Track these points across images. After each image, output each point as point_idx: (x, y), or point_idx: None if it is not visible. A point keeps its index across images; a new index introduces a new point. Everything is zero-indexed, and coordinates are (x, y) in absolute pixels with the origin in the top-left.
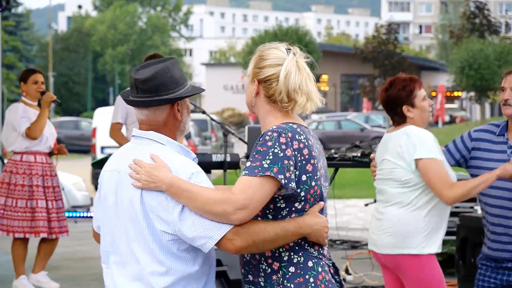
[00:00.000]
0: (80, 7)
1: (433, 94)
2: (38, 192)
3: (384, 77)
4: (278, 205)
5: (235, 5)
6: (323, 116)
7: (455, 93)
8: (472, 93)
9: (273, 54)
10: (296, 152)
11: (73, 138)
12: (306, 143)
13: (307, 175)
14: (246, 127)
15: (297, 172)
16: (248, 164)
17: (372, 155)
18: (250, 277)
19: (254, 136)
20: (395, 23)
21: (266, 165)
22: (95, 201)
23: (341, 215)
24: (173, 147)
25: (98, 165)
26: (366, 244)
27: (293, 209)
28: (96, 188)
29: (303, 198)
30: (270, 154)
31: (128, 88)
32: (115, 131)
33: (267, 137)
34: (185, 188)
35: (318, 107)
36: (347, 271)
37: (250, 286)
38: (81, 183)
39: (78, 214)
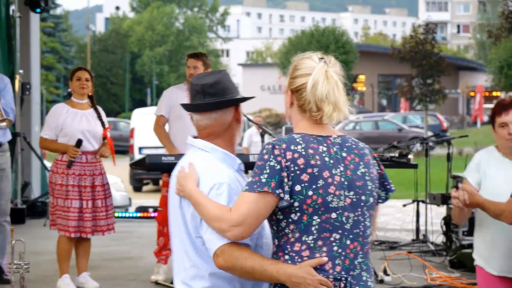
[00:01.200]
0: (117, 8)
1: (472, 94)
2: (73, 192)
3: (422, 77)
4: (277, 216)
5: (272, 6)
6: (360, 117)
7: (494, 93)
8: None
9: (305, 64)
10: (289, 163)
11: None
12: (303, 153)
13: (302, 185)
14: (283, 128)
15: (290, 183)
16: (249, 179)
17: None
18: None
19: None
20: (432, 23)
21: (264, 180)
22: None
23: (379, 215)
24: (217, 155)
25: (136, 165)
26: (405, 245)
27: (290, 220)
28: (134, 189)
29: (297, 209)
30: (267, 167)
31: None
32: (160, 127)
33: (264, 151)
34: (197, 202)
35: (346, 117)
36: (385, 272)
37: None
38: (120, 183)
39: (116, 215)
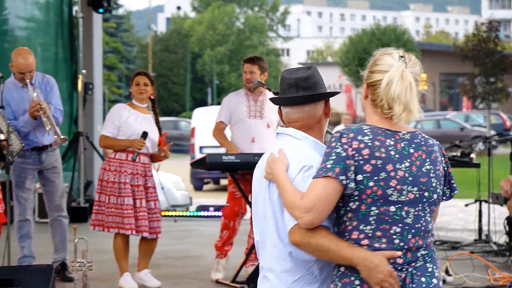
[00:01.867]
0: (179, 8)
1: None
2: (126, 189)
3: (485, 75)
4: (338, 204)
5: (332, 5)
6: (421, 115)
7: None
8: None
9: (384, 60)
10: (355, 152)
11: (172, 138)
12: (369, 144)
13: (364, 175)
14: (344, 127)
15: (354, 172)
16: (313, 164)
17: None
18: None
19: None
20: (496, 21)
21: (329, 166)
22: None
23: (441, 215)
24: (308, 142)
25: (196, 164)
26: (467, 245)
27: (348, 208)
28: (195, 188)
29: (356, 198)
30: (333, 154)
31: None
32: (218, 130)
33: (332, 139)
34: (281, 186)
35: (415, 118)
36: (447, 272)
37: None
38: (180, 182)
39: (177, 214)
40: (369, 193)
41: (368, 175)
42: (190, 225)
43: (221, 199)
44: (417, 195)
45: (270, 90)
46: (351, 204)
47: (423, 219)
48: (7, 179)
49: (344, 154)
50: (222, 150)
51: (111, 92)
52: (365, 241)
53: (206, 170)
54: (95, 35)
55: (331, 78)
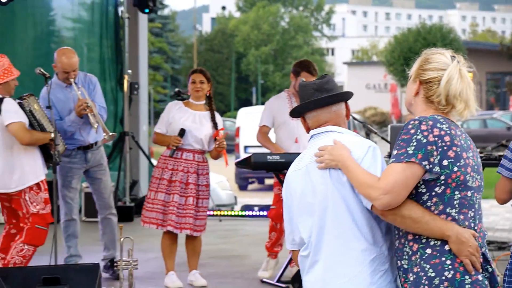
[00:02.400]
0: (224, 8)
1: None
2: (176, 187)
3: None
4: (419, 190)
5: (377, 4)
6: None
7: None
8: None
9: (438, 59)
10: (437, 138)
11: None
12: (448, 132)
13: (449, 160)
14: (389, 126)
15: (439, 157)
16: (394, 152)
17: None
18: (398, 262)
19: (397, 135)
20: None
21: (411, 152)
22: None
23: (488, 215)
24: (351, 133)
25: (241, 164)
26: None
27: (433, 193)
28: (239, 187)
29: (443, 182)
30: (414, 141)
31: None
32: (263, 134)
33: (410, 126)
34: (349, 168)
35: (473, 115)
36: None
37: (399, 272)
38: (225, 182)
39: (222, 213)
40: (454, 178)
41: (452, 160)
42: (235, 225)
43: (266, 198)
44: (480, 183)
45: None
46: (436, 188)
47: (481, 206)
48: (54, 179)
49: (425, 140)
50: (266, 150)
51: (156, 92)
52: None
53: (250, 169)
54: (141, 35)
55: (376, 77)
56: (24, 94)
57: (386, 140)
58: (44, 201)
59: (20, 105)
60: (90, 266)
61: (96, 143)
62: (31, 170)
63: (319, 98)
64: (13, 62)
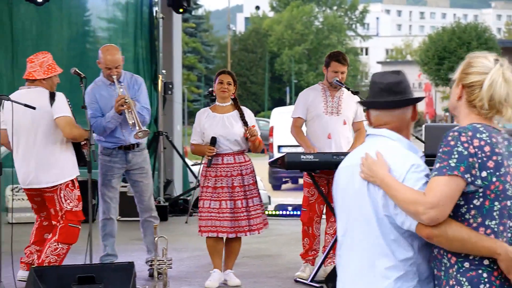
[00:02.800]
0: (257, 8)
1: None
2: (223, 193)
3: None
4: (458, 202)
5: (412, 3)
6: None
7: None
8: None
9: (480, 63)
10: (477, 150)
11: None
12: (488, 141)
13: (488, 171)
14: (423, 126)
15: (480, 169)
16: (436, 165)
17: None
18: (435, 271)
19: (431, 134)
20: None
21: (453, 164)
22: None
23: None
24: (402, 143)
25: (275, 164)
26: None
27: (472, 206)
28: (273, 187)
29: (481, 194)
30: (455, 153)
31: (365, 99)
32: (297, 127)
33: (449, 138)
34: (390, 187)
35: None
36: None
37: (436, 281)
38: (259, 182)
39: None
40: (492, 189)
41: (491, 171)
42: (268, 224)
43: (300, 198)
44: None
45: (348, 89)
46: (474, 201)
47: None
48: (88, 178)
49: (466, 152)
50: (300, 150)
51: (190, 92)
52: (492, 236)
53: (284, 169)
54: (175, 35)
55: (410, 77)
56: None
57: (421, 140)
58: (77, 198)
59: None
60: (125, 265)
61: (138, 145)
62: (68, 166)
63: (381, 102)
64: None
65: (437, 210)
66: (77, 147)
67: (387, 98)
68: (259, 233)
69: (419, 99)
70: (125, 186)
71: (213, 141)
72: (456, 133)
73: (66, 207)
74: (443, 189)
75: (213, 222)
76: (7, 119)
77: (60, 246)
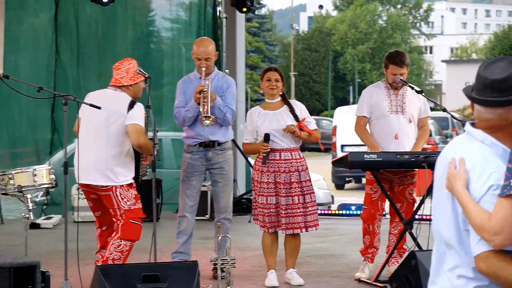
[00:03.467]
0: (321, 7)
1: None
2: (269, 188)
3: None
4: None
5: (477, 1)
6: None
7: None
8: None
9: None
10: None
11: None
12: None
13: None
14: None
15: None
16: (502, 183)
17: None
18: None
19: None
20: None
21: None
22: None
23: None
24: (497, 150)
25: (338, 163)
26: None
27: None
28: (336, 186)
29: None
30: None
31: (470, 86)
32: (361, 126)
33: None
34: (464, 205)
35: None
36: None
37: None
38: (322, 181)
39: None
40: None
41: None
42: (331, 224)
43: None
44: None
45: (412, 88)
46: None
47: None
48: (153, 177)
49: None
50: (364, 149)
51: (253, 91)
52: None
53: (347, 168)
54: (238, 35)
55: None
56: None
57: None
58: (134, 197)
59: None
60: (189, 263)
61: (219, 144)
62: (124, 173)
63: (481, 99)
64: (114, 63)
65: (501, 237)
66: (136, 161)
67: (491, 95)
68: (316, 229)
69: None
70: (204, 186)
71: (267, 137)
72: None
73: (124, 206)
74: (504, 213)
75: (270, 218)
76: (85, 110)
77: (123, 242)
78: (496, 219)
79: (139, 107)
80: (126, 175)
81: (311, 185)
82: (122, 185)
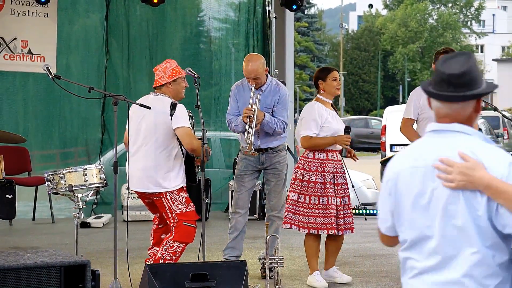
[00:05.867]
0: (370, 6)
1: None
2: (330, 189)
3: None
4: None
5: None
6: None
7: None
8: None
9: None
10: None
11: (363, 136)
12: None
13: None
14: None
15: None
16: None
17: None
18: None
19: None
20: None
21: None
22: (383, 200)
23: None
24: (480, 136)
25: (387, 162)
26: None
27: None
28: None
29: None
30: None
31: (428, 81)
32: (407, 127)
33: None
34: (503, 190)
35: None
36: None
37: None
38: (371, 181)
39: (367, 212)
40: None
41: None
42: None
43: None
44: None
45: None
46: None
47: None
48: (202, 177)
49: None
50: None
51: (303, 91)
52: None
53: None
54: (288, 34)
55: None
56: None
57: None
58: (185, 200)
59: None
60: (237, 263)
61: (272, 148)
62: (172, 177)
63: (437, 94)
64: None
65: None
66: (190, 163)
67: (447, 89)
68: (352, 232)
69: (478, 95)
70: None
71: (348, 129)
72: None
73: (175, 210)
74: None
75: (321, 219)
76: (133, 117)
77: (176, 244)
78: None
79: (180, 109)
80: (175, 180)
81: (348, 188)
82: (173, 190)
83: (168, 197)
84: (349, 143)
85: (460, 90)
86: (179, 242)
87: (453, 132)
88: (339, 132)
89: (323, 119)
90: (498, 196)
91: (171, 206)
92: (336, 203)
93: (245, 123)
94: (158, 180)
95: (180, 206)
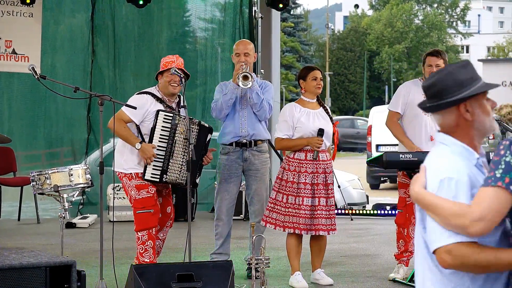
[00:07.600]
0: (356, 6)
1: None
2: (304, 190)
3: None
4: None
5: None
6: None
7: None
8: None
9: None
10: None
11: (349, 136)
12: None
13: None
14: None
15: None
16: (487, 174)
17: None
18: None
19: None
20: None
21: (498, 175)
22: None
23: None
24: (456, 148)
25: (373, 163)
26: None
27: None
28: (371, 186)
29: None
30: (502, 163)
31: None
32: (393, 122)
33: (501, 146)
34: (428, 203)
35: None
36: None
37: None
38: (357, 181)
39: (353, 212)
40: None
41: None
42: (366, 224)
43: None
44: None
45: None
46: None
47: None
48: (188, 177)
49: None
50: (402, 149)
51: (289, 91)
52: None
53: (383, 168)
54: (274, 35)
55: None
56: (191, 118)
57: None
58: (135, 187)
59: (167, 116)
60: (223, 263)
61: (256, 144)
62: (128, 160)
63: (419, 104)
64: (149, 64)
65: (483, 223)
66: (194, 167)
67: (427, 101)
68: (335, 232)
69: (440, 106)
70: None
71: (321, 132)
72: (507, 142)
73: (130, 195)
74: (489, 201)
75: (305, 220)
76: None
77: (139, 234)
78: (480, 206)
79: (134, 96)
80: (126, 163)
81: (332, 189)
82: (125, 175)
83: (125, 181)
84: (320, 145)
85: (432, 101)
86: (140, 231)
87: (438, 143)
88: (313, 133)
89: (295, 120)
90: (426, 209)
91: (127, 191)
92: (315, 203)
93: (238, 86)
94: (118, 161)
95: (132, 192)
